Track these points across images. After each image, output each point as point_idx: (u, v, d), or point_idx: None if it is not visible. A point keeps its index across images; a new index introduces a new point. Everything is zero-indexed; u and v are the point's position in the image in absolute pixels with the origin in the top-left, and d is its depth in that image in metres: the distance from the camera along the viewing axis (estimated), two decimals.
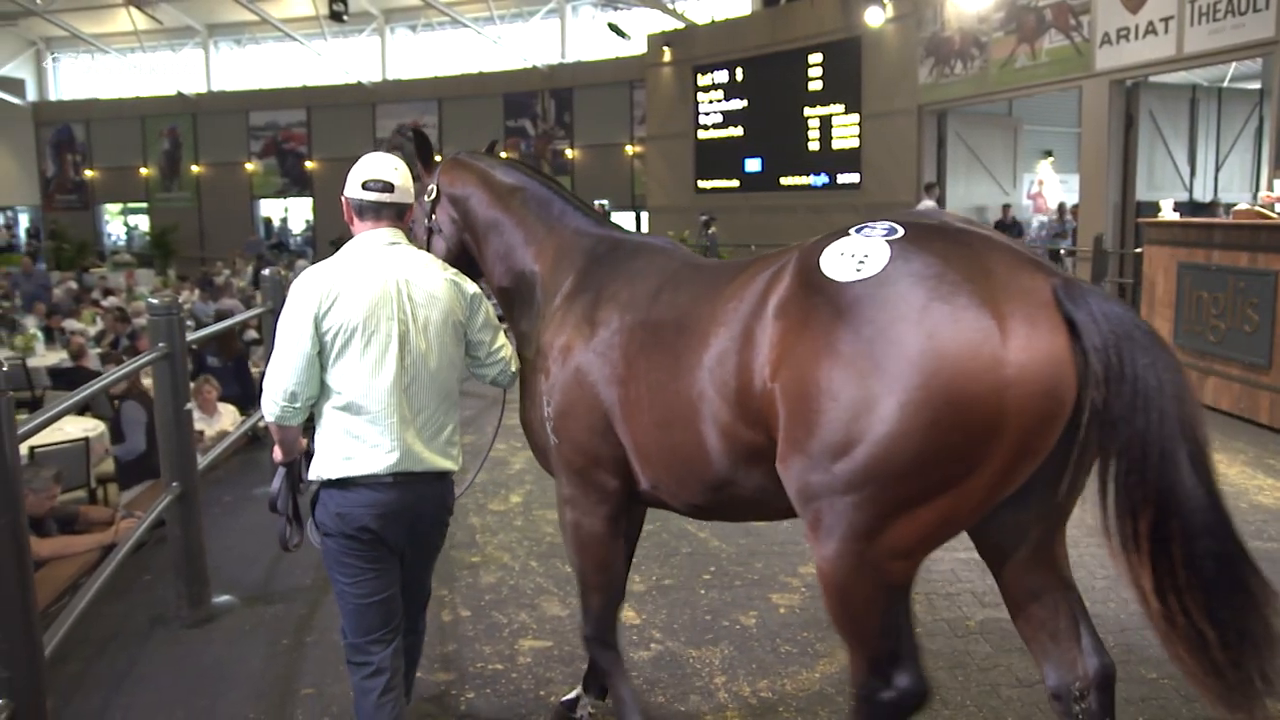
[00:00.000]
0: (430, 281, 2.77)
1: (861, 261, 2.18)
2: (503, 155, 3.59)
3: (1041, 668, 2.40)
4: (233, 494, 6.10)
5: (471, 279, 2.99)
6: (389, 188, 2.79)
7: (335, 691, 3.57)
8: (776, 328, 2.29)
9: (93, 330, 12.55)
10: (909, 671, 2.23)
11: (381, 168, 2.82)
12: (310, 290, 2.65)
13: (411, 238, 3.00)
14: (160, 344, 4.15)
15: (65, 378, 9.70)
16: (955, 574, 4.51)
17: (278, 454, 2.88)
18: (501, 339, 2.99)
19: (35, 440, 5.59)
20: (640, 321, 2.71)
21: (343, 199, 2.85)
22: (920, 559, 2.24)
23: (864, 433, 2.07)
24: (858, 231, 2.27)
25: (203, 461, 4.62)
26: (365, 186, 2.79)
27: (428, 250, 3.19)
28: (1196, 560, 1.98)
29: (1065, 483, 2.14)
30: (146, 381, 7.40)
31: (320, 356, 2.65)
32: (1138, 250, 10.61)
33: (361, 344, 2.65)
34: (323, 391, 2.70)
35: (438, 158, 3.42)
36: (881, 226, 2.25)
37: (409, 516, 2.74)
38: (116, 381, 4.07)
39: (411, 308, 2.71)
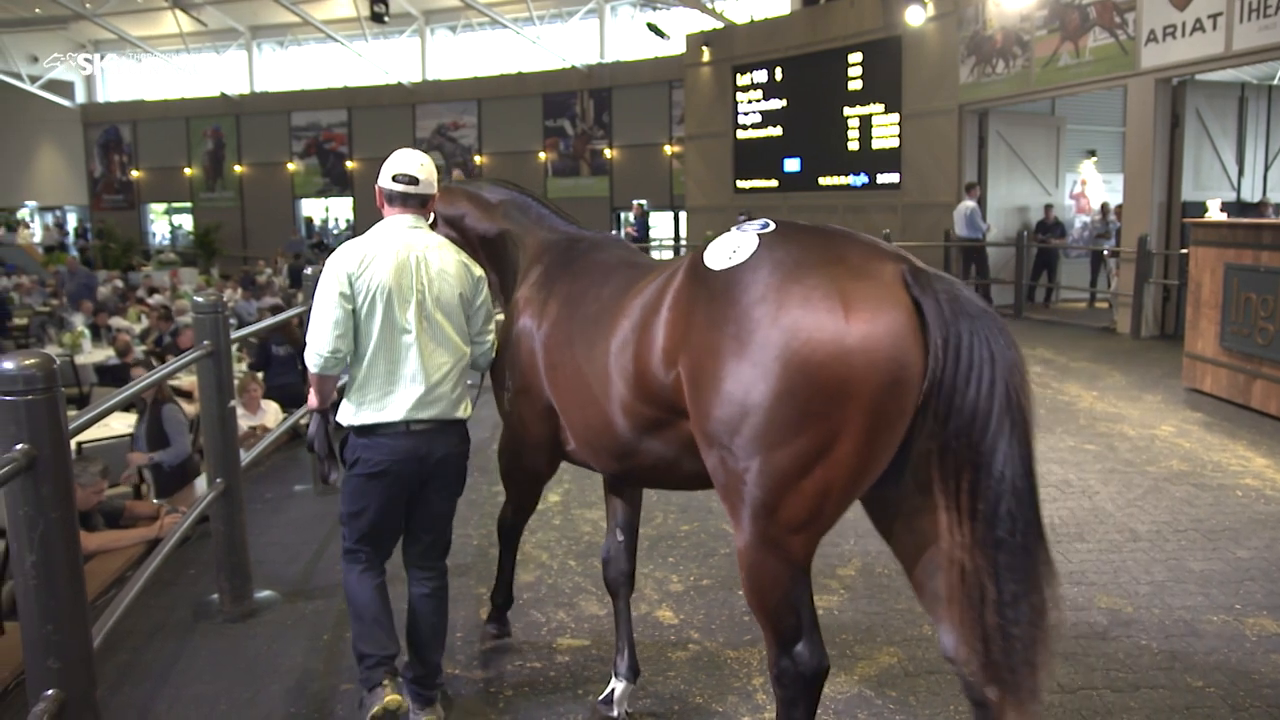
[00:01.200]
0: (443, 258, 3.20)
1: (734, 251, 2.46)
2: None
3: (939, 632, 2.54)
4: (274, 490, 6.17)
5: None
6: (414, 181, 3.23)
7: None
8: (669, 317, 2.59)
9: (138, 328, 12.75)
10: (807, 642, 2.42)
11: (409, 163, 3.25)
12: (346, 258, 3.10)
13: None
14: (205, 341, 4.21)
15: (111, 375, 9.88)
16: None
17: (313, 401, 3.30)
18: (491, 326, 3.40)
19: (82, 436, 5.69)
20: (572, 315, 3.10)
21: (376, 187, 3.28)
22: (815, 534, 2.39)
23: (741, 407, 2.31)
24: (738, 228, 2.56)
25: (246, 458, 4.67)
26: (394, 179, 3.23)
27: None
28: (1000, 520, 2.19)
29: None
30: (189, 379, 7.50)
31: (354, 314, 3.08)
32: (1183, 251, 10.46)
33: (384, 306, 3.07)
34: (356, 345, 3.13)
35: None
36: (757, 223, 2.54)
37: (422, 460, 3.14)
38: (166, 377, 4.12)
39: (427, 279, 3.14)
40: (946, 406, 2.22)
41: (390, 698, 3.03)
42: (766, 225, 2.51)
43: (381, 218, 3.28)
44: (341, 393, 3.21)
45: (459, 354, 3.21)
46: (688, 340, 2.48)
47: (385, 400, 3.10)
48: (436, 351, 3.14)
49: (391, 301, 3.07)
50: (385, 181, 3.23)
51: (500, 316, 3.55)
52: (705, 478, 2.60)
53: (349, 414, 3.14)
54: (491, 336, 3.38)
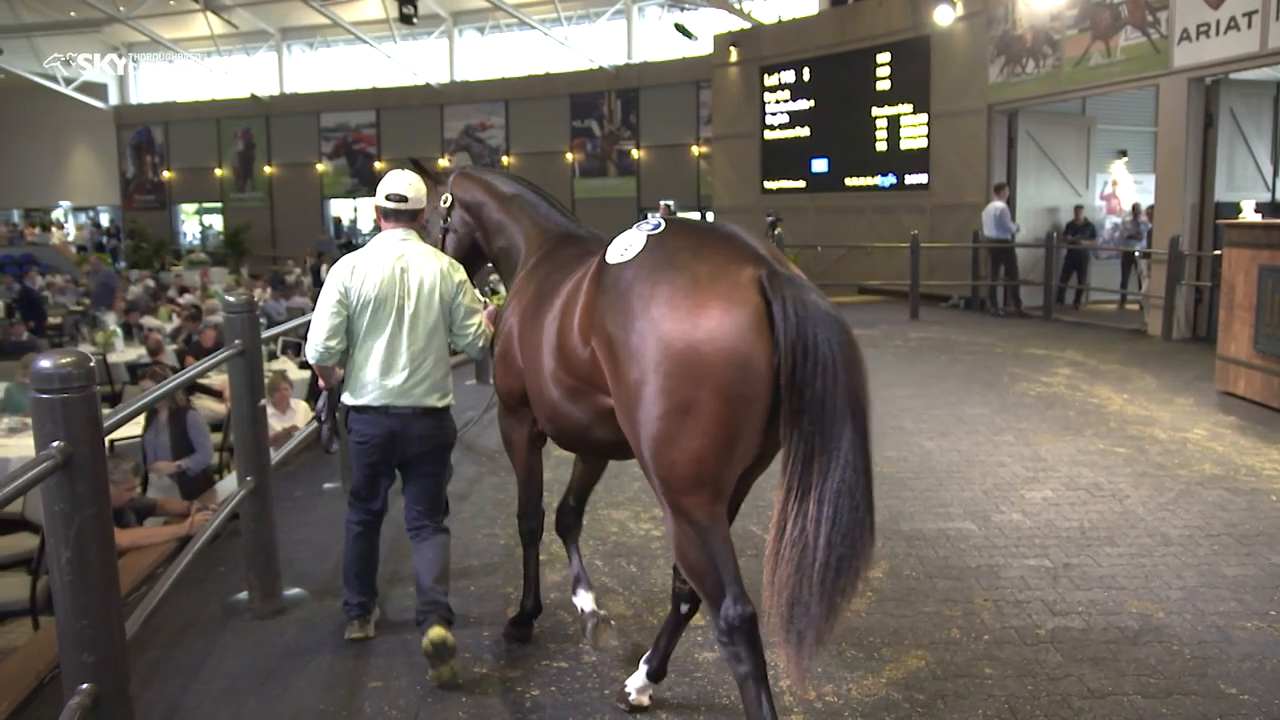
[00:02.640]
0: (426, 268, 3.76)
1: (626, 249, 2.88)
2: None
3: None
4: (303, 489, 6.20)
5: (480, 267, 4.21)
6: (403, 199, 3.81)
7: (401, 685, 3.62)
8: (583, 302, 3.02)
9: (169, 327, 12.88)
10: (730, 595, 2.71)
11: (399, 184, 3.82)
12: (342, 270, 3.73)
13: (425, 235, 3.97)
14: (236, 340, 4.24)
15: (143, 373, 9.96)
16: (1025, 581, 4.43)
17: (321, 383, 4.03)
18: (475, 319, 3.88)
19: (114, 434, 5.75)
20: (537, 295, 3.51)
21: (374, 206, 3.88)
22: (705, 497, 2.69)
23: (628, 388, 2.72)
24: (637, 227, 2.95)
25: (275, 456, 4.71)
26: (387, 198, 3.81)
27: (442, 245, 4.17)
28: (840, 494, 2.52)
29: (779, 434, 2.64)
30: (219, 378, 7.55)
31: (349, 319, 3.69)
32: (1216, 253, 10.33)
33: (372, 310, 3.68)
34: (350, 342, 3.73)
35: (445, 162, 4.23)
36: (651, 224, 2.94)
37: (400, 437, 3.77)
38: (197, 376, 4.17)
39: (409, 287, 3.71)
40: (798, 397, 2.55)
41: (356, 634, 4.00)
42: (657, 226, 2.92)
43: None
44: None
45: (435, 349, 3.79)
46: (594, 325, 2.91)
47: (369, 387, 3.73)
48: (411, 348, 3.72)
49: (378, 307, 3.69)
50: (379, 200, 3.83)
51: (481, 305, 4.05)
52: (620, 447, 3.00)
53: (347, 397, 3.82)
54: (473, 328, 3.88)
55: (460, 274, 3.86)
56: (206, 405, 8.92)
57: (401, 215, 3.82)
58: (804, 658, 2.57)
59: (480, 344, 3.94)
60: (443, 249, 4.13)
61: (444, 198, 4.20)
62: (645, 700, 3.39)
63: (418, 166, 4.17)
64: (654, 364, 2.64)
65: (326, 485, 6.21)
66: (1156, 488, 5.78)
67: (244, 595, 4.36)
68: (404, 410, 3.73)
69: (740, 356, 2.57)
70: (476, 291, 3.97)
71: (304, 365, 9.11)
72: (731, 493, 2.84)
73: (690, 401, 2.60)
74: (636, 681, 3.40)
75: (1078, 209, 15.06)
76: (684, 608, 3.28)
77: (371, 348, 3.70)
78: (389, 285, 3.68)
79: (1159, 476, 6.01)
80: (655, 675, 3.39)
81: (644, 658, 3.43)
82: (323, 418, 4.18)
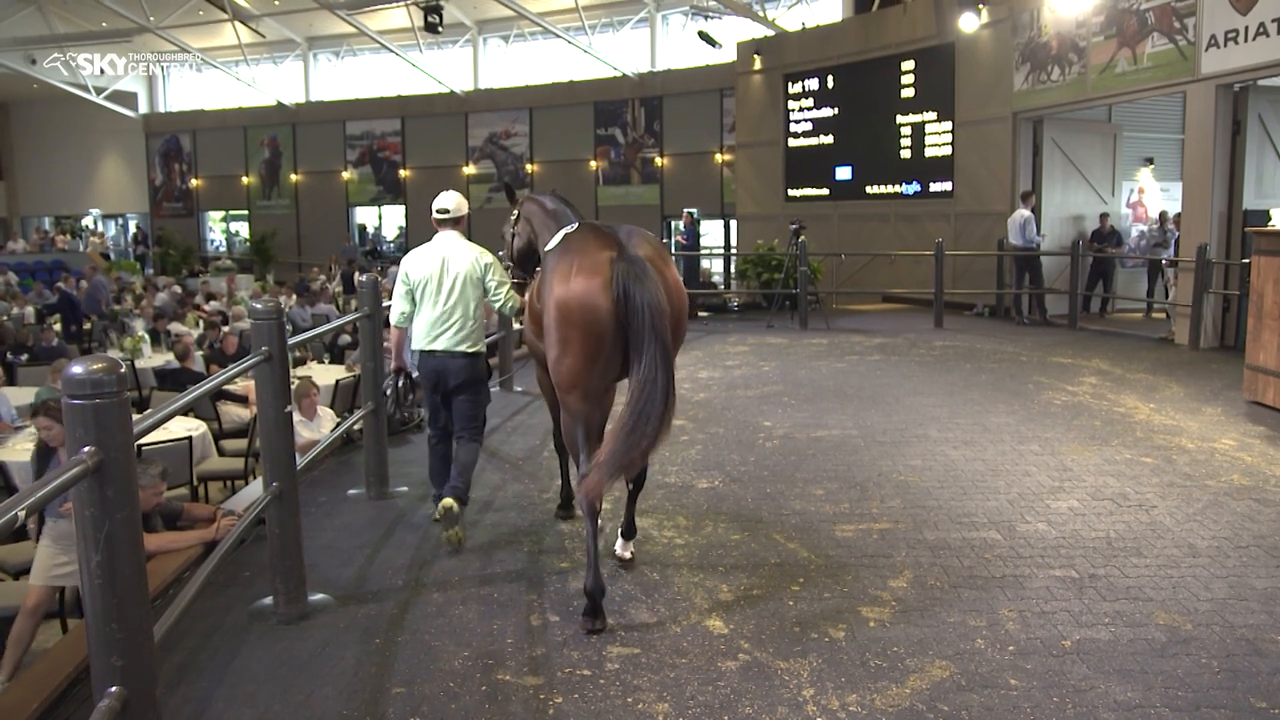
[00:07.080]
0: (462, 258, 5.38)
1: (554, 240, 4.70)
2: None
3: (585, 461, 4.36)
4: (328, 495, 6.23)
5: (533, 264, 5.42)
6: (447, 211, 5.48)
7: (425, 691, 3.63)
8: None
9: (195, 333, 12.99)
10: (582, 457, 4.37)
11: (446, 201, 5.50)
12: (408, 260, 5.43)
13: (467, 233, 5.58)
14: (263, 347, 4.27)
15: (170, 378, 10.07)
16: (1050, 591, 4.40)
17: (393, 364, 5.67)
18: (504, 288, 5.46)
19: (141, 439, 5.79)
20: (543, 279, 4.58)
21: (431, 219, 5.53)
22: (578, 395, 4.30)
23: (545, 329, 4.38)
24: (566, 226, 4.78)
25: (300, 462, 4.73)
26: (437, 212, 5.48)
27: (512, 245, 5.62)
28: (643, 394, 3.97)
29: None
30: (244, 383, 7.57)
31: (411, 293, 5.35)
32: (1245, 261, 10.23)
33: (423, 288, 5.34)
34: (415, 310, 5.41)
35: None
36: (571, 225, 4.76)
37: (443, 372, 5.37)
38: (226, 382, 4.20)
39: (450, 272, 5.34)
40: (624, 332, 4.12)
41: (445, 501, 5.18)
42: (574, 225, 4.75)
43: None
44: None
45: (469, 314, 5.35)
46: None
47: (424, 339, 5.34)
48: (451, 314, 5.32)
49: (428, 286, 5.33)
50: (434, 214, 5.48)
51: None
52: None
53: (414, 344, 5.42)
54: (503, 294, 5.46)
55: (488, 258, 5.44)
56: (232, 410, 9.01)
57: (447, 222, 5.46)
58: (603, 474, 3.96)
59: (510, 305, 5.52)
60: (512, 246, 5.60)
61: (514, 213, 5.55)
62: (628, 554, 4.89)
63: (508, 189, 5.83)
64: (550, 314, 4.26)
65: (351, 491, 6.24)
66: (1184, 498, 5.73)
67: (269, 600, 4.39)
68: (445, 354, 5.33)
69: (590, 308, 4.14)
70: (502, 268, 5.53)
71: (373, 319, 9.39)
72: (602, 394, 4.40)
73: (568, 337, 4.21)
74: (618, 546, 4.93)
75: (1104, 217, 14.95)
76: (630, 485, 4.89)
77: (427, 313, 5.32)
78: (437, 271, 5.32)
79: (1186, 487, 5.95)
80: (628, 533, 4.94)
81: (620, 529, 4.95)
82: (389, 393, 5.68)
